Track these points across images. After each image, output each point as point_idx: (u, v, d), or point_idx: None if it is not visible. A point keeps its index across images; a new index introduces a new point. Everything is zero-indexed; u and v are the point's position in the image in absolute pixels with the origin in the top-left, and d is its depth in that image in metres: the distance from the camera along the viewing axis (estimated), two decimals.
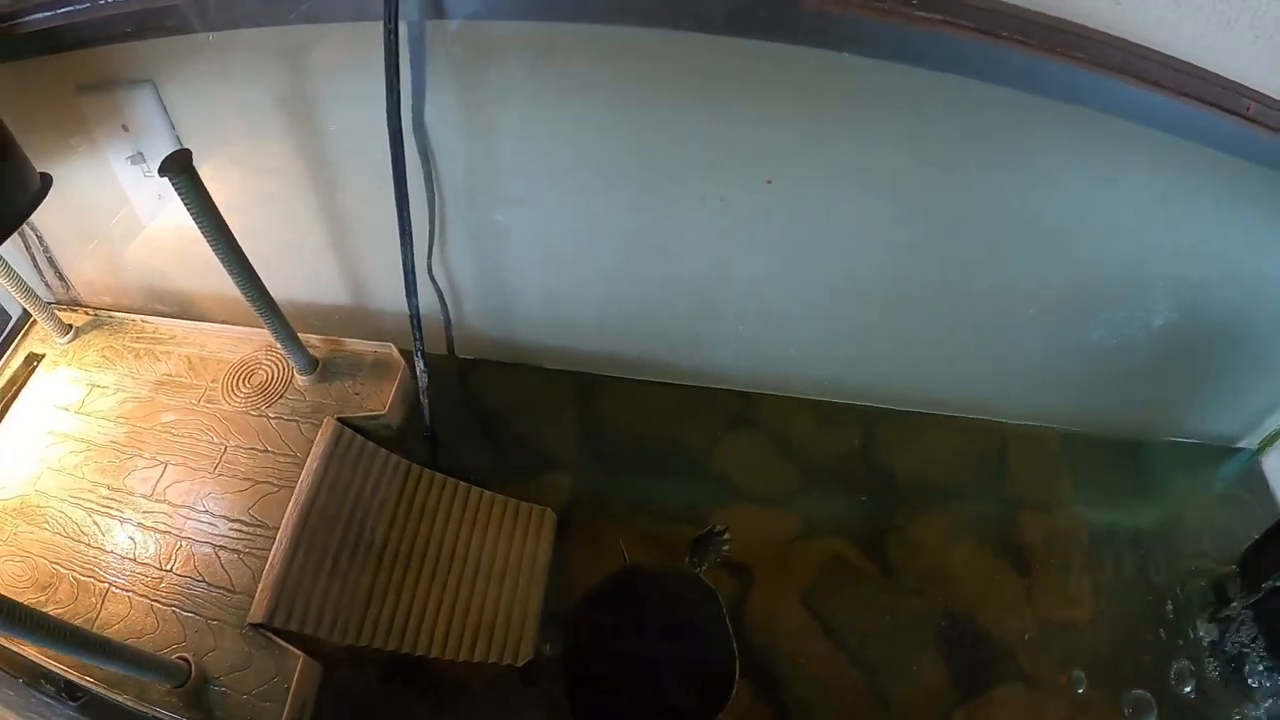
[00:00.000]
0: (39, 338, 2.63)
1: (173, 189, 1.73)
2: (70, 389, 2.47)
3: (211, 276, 2.51)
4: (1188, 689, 2.13)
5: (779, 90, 1.77)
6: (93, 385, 2.47)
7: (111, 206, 2.47)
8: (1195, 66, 1.56)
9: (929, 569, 2.28)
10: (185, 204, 1.77)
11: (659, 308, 2.46)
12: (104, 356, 2.54)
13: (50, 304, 2.62)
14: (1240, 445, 2.63)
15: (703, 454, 2.55)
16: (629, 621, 2.12)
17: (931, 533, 2.36)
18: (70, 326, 2.62)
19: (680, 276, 2.26)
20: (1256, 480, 2.55)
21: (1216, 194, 1.78)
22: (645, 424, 2.63)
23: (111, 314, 2.68)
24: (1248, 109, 1.59)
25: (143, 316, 2.65)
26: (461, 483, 2.31)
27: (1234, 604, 2.18)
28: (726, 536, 2.23)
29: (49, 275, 2.72)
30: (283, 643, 1.94)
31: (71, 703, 2.00)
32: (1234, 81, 1.57)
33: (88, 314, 2.68)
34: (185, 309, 2.74)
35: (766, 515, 2.43)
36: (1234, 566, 2.29)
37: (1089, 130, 1.71)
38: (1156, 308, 2.09)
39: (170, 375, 2.47)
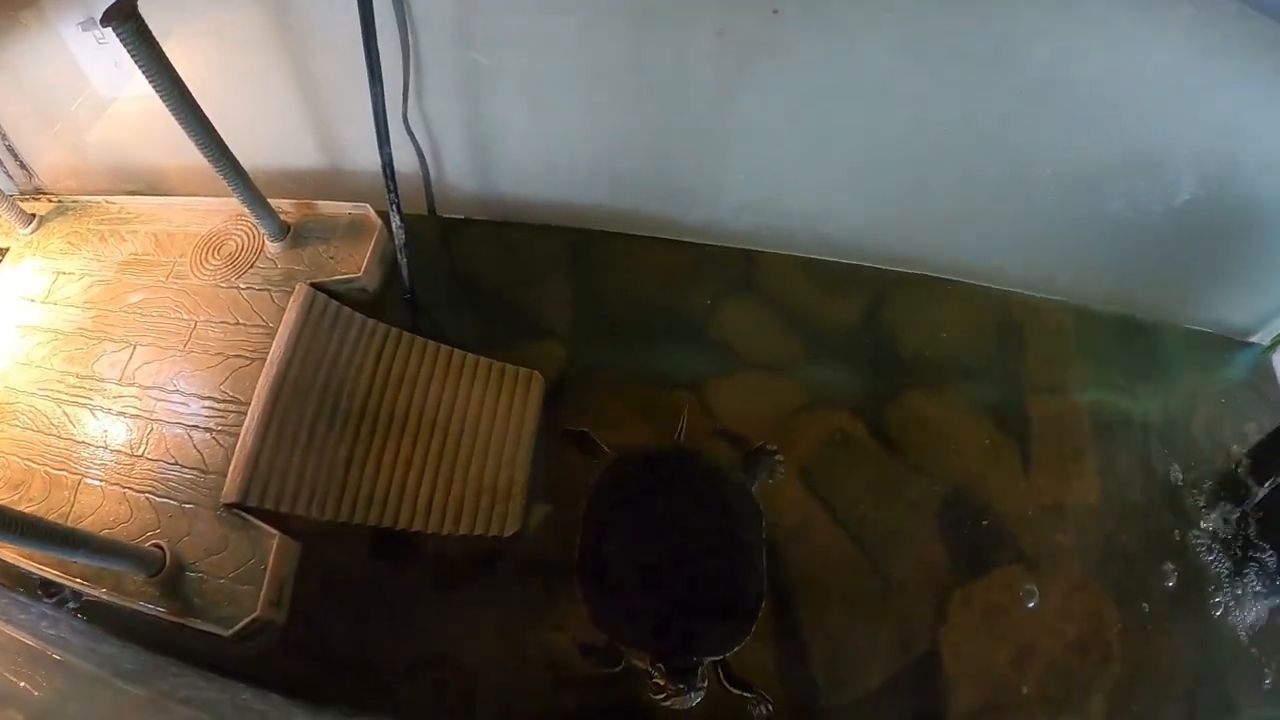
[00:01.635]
0: (2, 231, 2.44)
1: (121, 45, 1.52)
2: (36, 279, 2.30)
3: (176, 147, 2.25)
4: (1192, 580, 2.09)
5: None
6: (59, 273, 2.29)
7: (70, 86, 2.28)
8: None
9: (933, 446, 2.17)
10: (133, 57, 1.55)
11: (656, 157, 2.22)
12: (69, 242, 2.35)
13: (12, 196, 2.42)
14: (1252, 340, 2.50)
15: (702, 318, 2.33)
16: (664, 508, 1.83)
17: (937, 408, 2.24)
18: (34, 216, 2.44)
19: (679, 122, 2.08)
20: (1266, 376, 2.45)
21: (1262, 66, 1.67)
22: (641, 285, 2.39)
23: (76, 198, 2.49)
24: None
25: (108, 197, 2.45)
26: (443, 346, 2.10)
27: (1243, 499, 2.13)
28: (779, 457, 2.03)
29: (10, 166, 2.54)
30: (258, 522, 1.78)
31: (48, 600, 1.90)
32: None
33: (51, 201, 2.49)
34: (153, 185, 2.54)
35: (767, 385, 2.24)
36: (1243, 461, 2.22)
37: None
38: (1181, 182, 1.97)
39: (137, 254, 2.27)
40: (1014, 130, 1.93)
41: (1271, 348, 2.48)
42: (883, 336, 2.34)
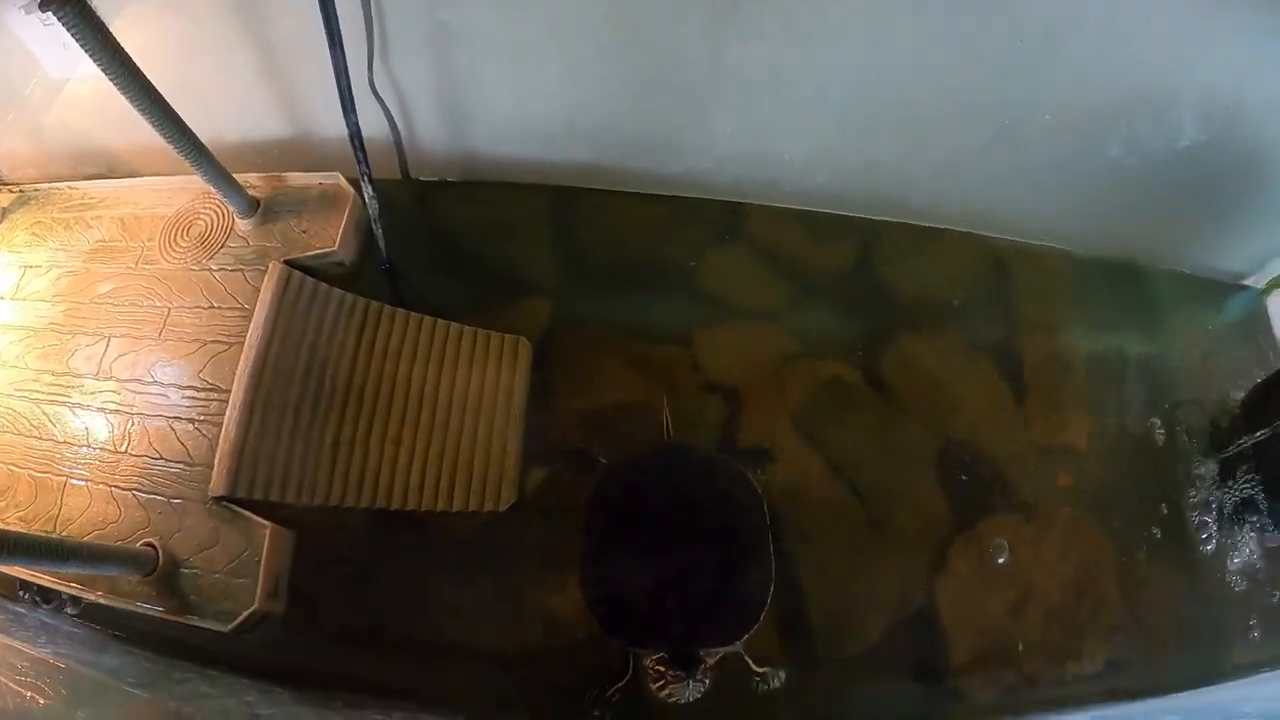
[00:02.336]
0: None
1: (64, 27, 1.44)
2: (2, 275, 2.21)
3: (135, 126, 2.13)
4: (1186, 523, 2.10)
5: None
6: (26, 267, 2.20)
7: (20, 71, 2.16)
8: None
9: (927, 392, 2.16)
10: (77, 39, 1.47)
11: (639, 109, 2.12)
12: (34, 234, 2.25)
13: None
14: (1247, 283, 2.50)
15: (689, 270, 2.27)
16: (661, 506, 1.78)
17: (930, 354, 2.21)
18: None
19: (663, 71, 1.99)
20: (1260, 320, 2.45)
21: (1272, 5, 1.63)
22: (626, 240, 2.32)
23: (38, 187, 2.38)
24: None
25: (70, 184, 2.34)
26: (425, 317, 2.02)
27: (1238, 442, 2.13)
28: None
29: None
30: (248, 514, 1.72)
31: (45, 607, 1.85)
32: None
33: (12, 191, 2.38)
34: (114, 167, 2.42)
35: (758, 334, 2.19)
36: (1238, 404, 2.24)
37: None
38: (1184, 126, 1.94)
39: (104, 241, 2.17)
40: (1013, 74, 1.87)
41: (1266, 291, 2.48)
42: (875, 282, 2.31)
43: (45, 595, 1.86)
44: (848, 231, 2.36)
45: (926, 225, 2.40)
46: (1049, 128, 2.01)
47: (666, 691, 1.46)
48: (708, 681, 1.48)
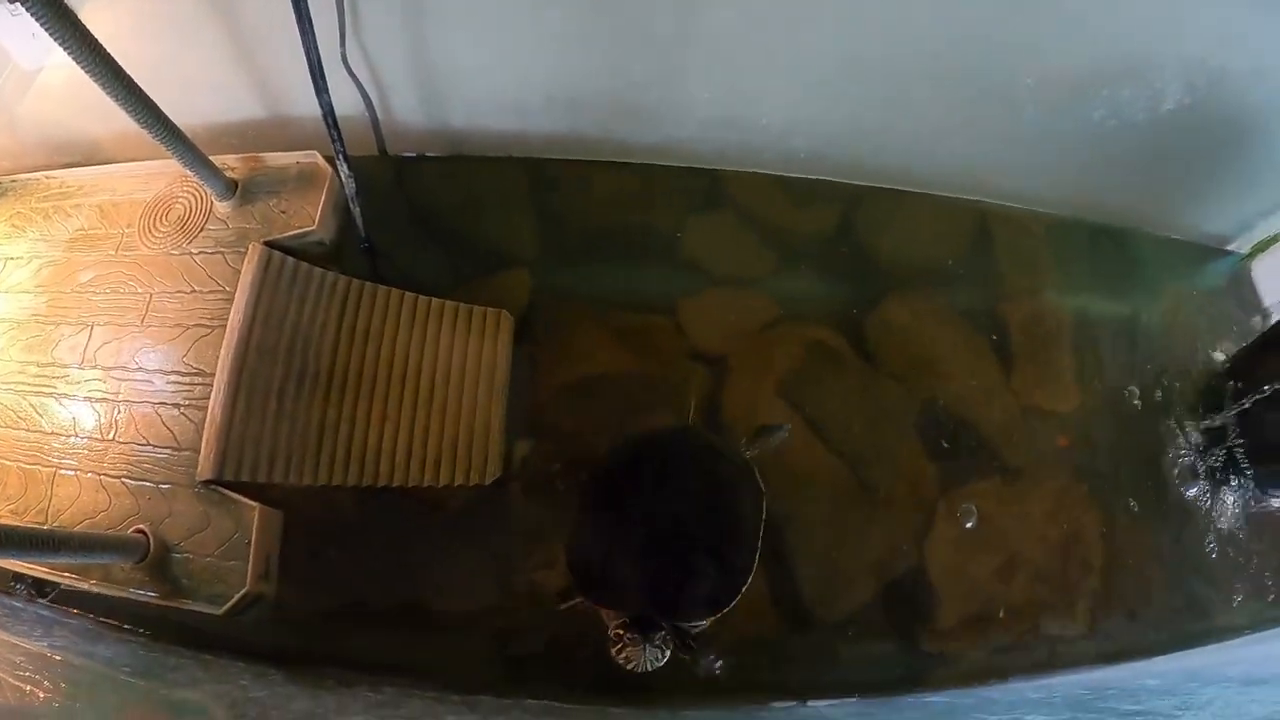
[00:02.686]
0: None
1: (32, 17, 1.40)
2: None
3: (109, 112, 2.10)
4: (1170, 487, 2.13)
5: None
6: (6, 259, 2.18)
7: None
8: None
9: (911, 356, 2.16)
10: (45, 27, 1.43)
11: (615, 77, 2.08)
12: (13, 225, 2.23)
13: None
14: (1230, 248, 2.52)
15: (670, 239, 2.25)
16: (657, 488, 1.73)
17: (914, 318, 2.22)
18: None
19: (636, 36, 1.95)
20: (1244, 284, 2.47)
21: None
22: (607, 211, 2.30)
23: (14, 178, 2.34)
24: None
25: (47, 173, 2.31)
26: (406, 293, 2.00)
27: (1221, 406, 2.16)
28: (785, 432, 1.93)
29: None
30: (237, 496, 1.72)
31: (41, 600, 1.86)
32: None
33: None
34: (90, 155, 2.38)
35: (740, 301, 2.18)
36: (1222, 368, 2.27)
37: None
38: (1168, 91, 1.94)
39: (83, 230, 2.15)
40: (997, 35, 1.85)
41: (1250, 255, 2.49)
42: (858, 247, 2.30)
43: (40, 587, 1.87)
44: (830, 197, 2.34)
45: (909, 190, 2.39)
46: (1031, 91, 1.99)
47: (624, 656, 1.45)
48: (667, 652, 1.47)
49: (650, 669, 1.45)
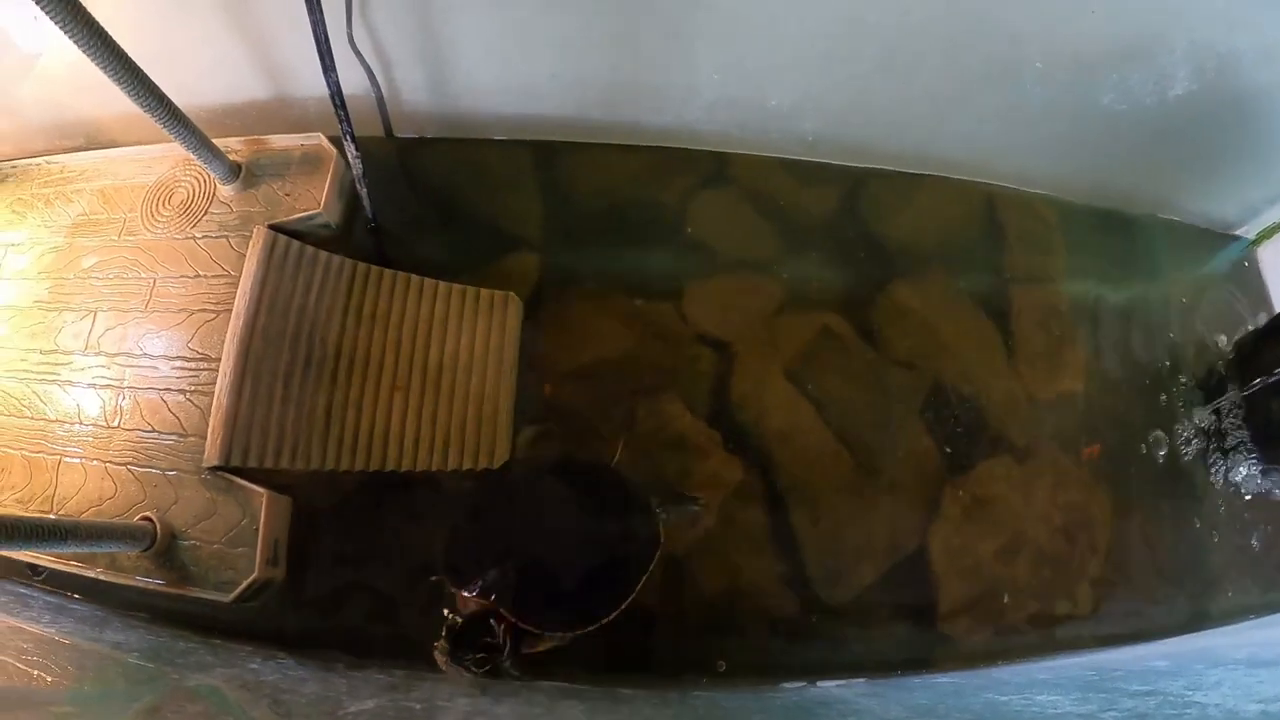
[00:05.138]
0: None
1: None
2: None
3: (111, 96, 2.09)
4: (1175, 471, 2.14)
5: None
6: (7, 246, 2.16)
7: None
8: None
9: (917, 340, 2.16)
10: (46, 10, 1.41)
11: (622, 58, 2.07)
12: (14, 211, 2.21)
13: None
14: (1237, 233, 2.52)
15: (677, 222, 2.25)
16: (561, 507, 1.79)
17: (920, 301, 2.22)
18: None
19: (643, 15, 1.93)
20: (1250, 270, 2.48)
21: None
22: (612, 193, 2.29)
23: (15, 163, 2.32)
24: None
25: (48, 158, 2.29)
26: (413, 276, 1.99)
27: (1227, 391, 2.17)
28: (700, 505, 1.92)
29: None
30: (244, 482, 1.71)
31: (45, 588, 1.86)
32: None
33: None
34: (92, 138, 2.37)
35: (748, 286, 2.18)
36: (1228, 353, 2.27)
37: None
38: (1177, 75, 1.93)
39: (85, 215, 2.13)
40: (1005, 16, 1.84)
41: (1257, 241, 2.50)
42: (865, 231, 2.29)
43: (33, 569, 1.87)
44: (837, 180, 2.34)
45: (917, 172, 2.38)
46: (1039, 74, 1.98)
47: (436, 649, 1.45)
48: (474, 673, 1.47)
49: (469, 670, 1.47)
